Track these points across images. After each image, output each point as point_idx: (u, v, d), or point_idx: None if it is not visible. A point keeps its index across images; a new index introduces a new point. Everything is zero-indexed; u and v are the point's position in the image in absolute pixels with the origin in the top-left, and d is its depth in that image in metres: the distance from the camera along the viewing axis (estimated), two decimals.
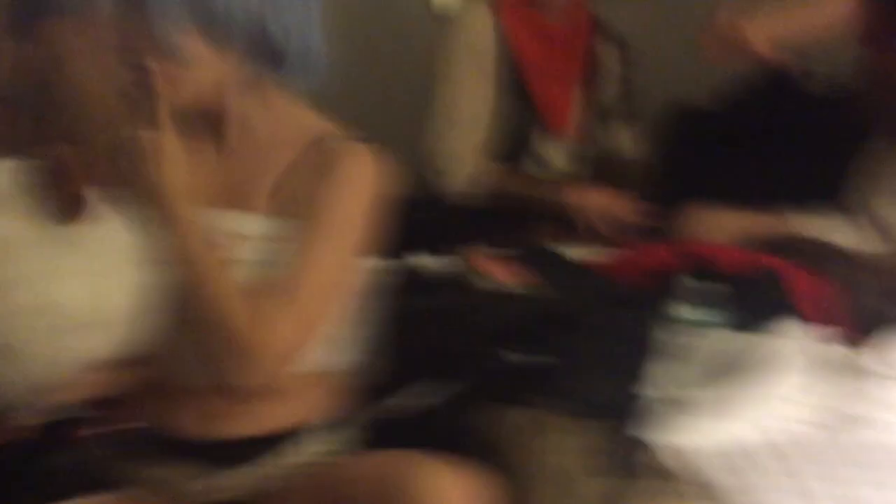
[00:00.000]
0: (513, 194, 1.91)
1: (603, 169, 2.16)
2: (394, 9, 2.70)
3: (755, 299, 1.41)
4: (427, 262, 1.62)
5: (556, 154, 2.03)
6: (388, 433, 1.20)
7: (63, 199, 0.76)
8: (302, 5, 1.08)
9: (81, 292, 0.77)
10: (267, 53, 1.05)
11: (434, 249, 1.72)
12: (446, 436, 1.17)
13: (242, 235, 1.05)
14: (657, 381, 1.32)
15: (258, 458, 1.12)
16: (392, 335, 1.31)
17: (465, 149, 1.91)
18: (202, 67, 1.03)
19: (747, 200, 1.79)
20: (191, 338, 1.03)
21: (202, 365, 1.05)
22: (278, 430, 1.12)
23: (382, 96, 2.34)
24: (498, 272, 1.45)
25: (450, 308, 1.37)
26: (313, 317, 1.03)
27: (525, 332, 1.29)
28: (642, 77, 2.47)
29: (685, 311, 1.39)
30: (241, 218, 1.06)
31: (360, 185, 1.06)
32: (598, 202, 1.92)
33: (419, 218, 1.90)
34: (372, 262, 1.64)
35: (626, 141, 2.23)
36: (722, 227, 1.73)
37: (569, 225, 1.93)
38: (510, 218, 1.92)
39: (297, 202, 1.05)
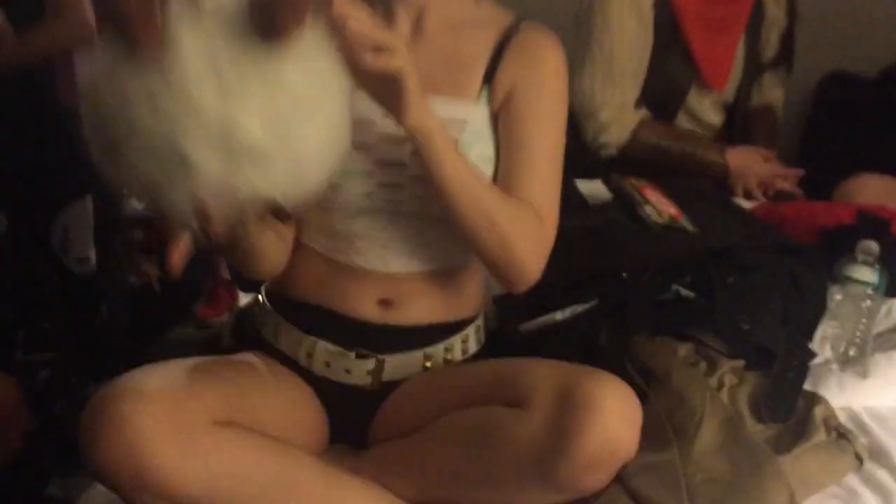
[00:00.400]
0: (668, 150, 1.83)
1: (753, 123, 2.07)
2: None
3: None
4: (592, 186, 1.57)
5: (711, 108, 1.95)
6: (546, 345, 1.18)
7: (278, 27, 0.72)
8: None
9: (268, 123, 0.74)
10: None
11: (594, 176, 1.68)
12: (606, 356, 1.14)
13: (460, 120, 1.03)
14: (830, 339, 1.27)
15: (425, 346, 1.14)
16: (556, 250, 1.28)
17: (622, 102, 1.83)
18: None
19: None
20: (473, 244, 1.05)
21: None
22: (445, 322, 1.15)
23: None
24: (668, 207, 1.39)
25: (622, 234, 1.33)
26: (554, 214, 1.09)
27: (698, 269, 1.24)
28: (804, 38, 2.37)
29: (863, 273, 1.32)
30: (455, 103, 1.05)
31: (561, 74, 1.10)
32: (758, 167, 1.84)
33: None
34: None
35: (780, 96, 2.13)
36: (891, 194, 1.65)
37: (723, 184, 1.86)
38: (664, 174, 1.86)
39: (507, 84, 1.07)
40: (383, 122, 0.99)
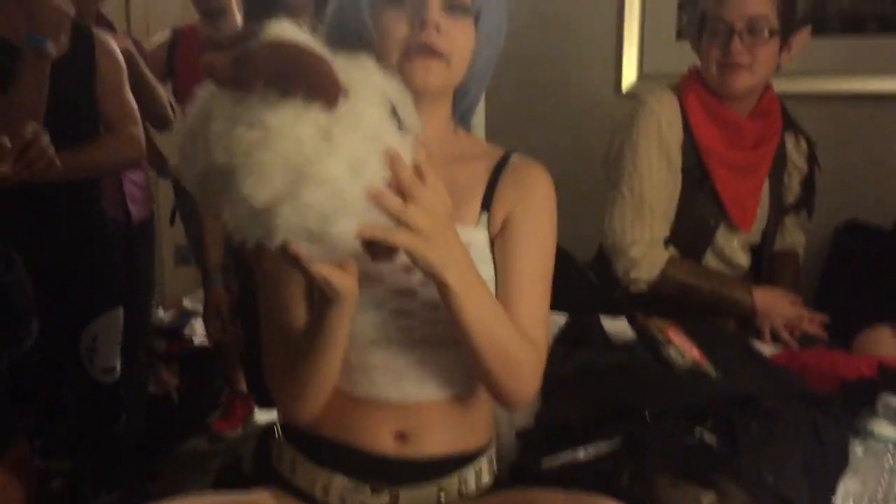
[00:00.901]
0: (697, 288, 1.87)
1: (777, 266, 2.12)
2: (583, 87, 2.77)
3: None
4: (617, 324, 1.61)
5: (738, 250, 1.99)
6: (567, 483, 1.18)
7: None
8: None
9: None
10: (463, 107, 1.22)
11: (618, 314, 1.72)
12: (628, 498, 1.15)
13: (465, 244, 1.09)
14: (853, 496, 1.27)
15: (440, 478, 1.15)
16: (580, 386, 1.30)
17: (652, 240, 1.87)
18: None
19: None
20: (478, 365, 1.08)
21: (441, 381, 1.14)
22: (460, 453, 1.18)
23: (561, 171, 2.37)
24: (692, 350, 1.42)
25: (645, 374, 1.35)
26: (545, 336, 1.16)
27: (720, 415, 1.26)
28: (822, 187, 2.46)
29: (884, 428, 1.33)
30: (459, 229, 1.10)
31: (552, 200, 1.19)
32: (785, 309, 1.87)
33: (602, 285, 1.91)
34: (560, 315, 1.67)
35: (802, 241, 2.19)
36: None
37: (749, 324, 1.89)
38: (691, 311, 1.89)
39: (503, 211, 1.15)
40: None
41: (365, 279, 1.04)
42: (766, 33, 1.79)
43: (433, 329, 1.12)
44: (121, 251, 2.24)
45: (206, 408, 3.07)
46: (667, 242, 1.91)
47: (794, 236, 2.16)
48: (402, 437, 1.14)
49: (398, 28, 1.06)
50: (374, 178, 0.86)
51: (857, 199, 2.58)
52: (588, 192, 2.20)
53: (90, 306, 2.12)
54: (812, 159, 2.08)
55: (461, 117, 1.22)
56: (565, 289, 1.93)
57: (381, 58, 1.02)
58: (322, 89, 0.83)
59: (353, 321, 1.09)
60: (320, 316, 1.02)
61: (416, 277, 1.10)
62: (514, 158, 1.20)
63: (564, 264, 1.98)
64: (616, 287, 1.90)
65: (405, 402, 1.14)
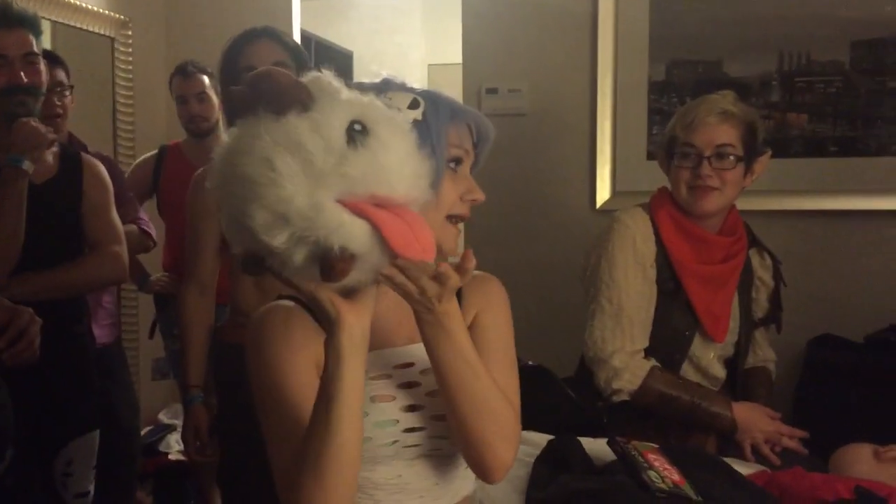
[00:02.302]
0: (677, 400, 1.89)
1: (752, 383, 2.14)
2: (562, 206, 2.85)
3: None
4: (596, 445, 1.62)
5: (714, 361, 2.02)
6: None
7: None
8: None
9: None
10: None
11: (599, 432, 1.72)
12: None
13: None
14: None
15: None
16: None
17: (633, 350, 1.91)
18: None
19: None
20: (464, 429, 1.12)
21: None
22: None
23: (539, 283, 2.42)
24: (672, 473, 1.43)
25: (626, 500, 1.35)
26: (518, 407, 1.20)
27: None
28: (793, 302, 2.52)
29: None
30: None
31: (507, 303, 1.28)
32: (764, 424, 1.88)
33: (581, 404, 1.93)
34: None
35: (772, 357, 2.22)
36: (886, 469, 1.68)
37: (729, 440, 1.90)
38: (668, 422, 1.91)
39: (470, 315, 1.22)
40: (398, 375, 1.16)
41: (376, 401, 1.13)
42: (732, 160, 1.90)
43: (437, 443, 1.17)
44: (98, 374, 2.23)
45: None
46: (646, 353, 1.94)
47: (765, 352, 2.20)
48: None
49: (451, 196, 1.15)
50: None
51: (828, 313, 2.65)
52: (565, 304, 2.24)
53: (67, 429, 2.10)
54: (777, 275, 2.15)
55: None
56: (545, 405, 1.95)
57: (426, 210, 1.06)
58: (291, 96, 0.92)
59: (370, 441, 1.12)
60: (329, 369, 1.00)
61: (422, 389, 1.17)
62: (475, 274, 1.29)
63: (544, 381, 2.02)
64: (597, 400, 1.92)
65: None
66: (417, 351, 1.16)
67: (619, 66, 2.74)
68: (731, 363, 2.08)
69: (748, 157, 1.92)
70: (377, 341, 1.17)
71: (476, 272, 1.26)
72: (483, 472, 1.15)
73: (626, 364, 1.88)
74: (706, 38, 2.65)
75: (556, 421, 1.81)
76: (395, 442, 1.15)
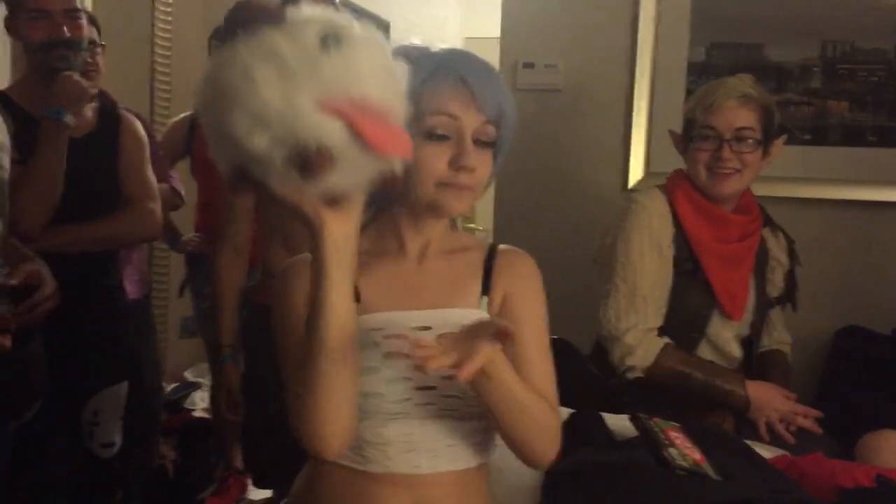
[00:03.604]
0: (690, 377, 1.90)
1: (767, 365, 2.14)
2: (593, 184, 2.84)
3: None
4: (619, 422, 1.62)
5: (732, 340, 2.03)
6: None
7: None
8: None
9: None
10: None
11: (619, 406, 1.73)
12: None
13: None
14: None
15: None
16: (581, 485, 1.31)
17: (646, 328, 1.93)
18: None
19: None
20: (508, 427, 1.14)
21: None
22: None
23: (567, 264, 2.41)
24: (693, 452, 1.44)
25: (647, 476, 1.36)
26: (556, 399, 1.23)
27: None
28: (823, 291, 2.50)
29: None
30: (465, 311, 1.20)
31: (539, 278, 1.28)
32: (779, 403, 1.88)
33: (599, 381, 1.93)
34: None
35: (787, 339, 2.22)
36: None
37: (745, 420, 1.90)
38: (685, 403, 1.91)
39: (500, 292, 1.24)
40: (412, 335, 1.12)
41: (389, 358, 1.14)
42: (752, 143, 1.92)
43: (451, 403, 1.17)
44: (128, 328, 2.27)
45: (200, 484, 3.04)
46: (662, 333, 1.95)
47: (780, 334, 2.20)
48: None
49: (437, 165, 1.14)
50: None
51: (857, 304, 2.62)
52: (592, 284, 2.24)
53: (95, 379, 2.14)
54: (792, 255, 2.15)
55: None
56: (568, 380, 1.96)
57: (411, 184, 1.12)
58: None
59: (381, 397, 1.14)
60: (315, 279, 1.02)
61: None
62: (502, 247, 1.30)
63: (566, 356, 2.03)
64: (612, 378, 1.93)
65: (418, 475, 1.18)
66: (437, 316, 1.17)
67: (658, 46, 2.71)
68: (748, 343, 2.08)
69: (766, 140, 1.95)
70: (398, 302, 1.20)
71: (506, 247, 1.29)
72: (529, 464, 1.20)
73: (640, 341, 1.90)
74: (748, 21, 2.61)
75: (578, 394, 1.83)
76: (408, 399, 1.16)
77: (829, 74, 2.58)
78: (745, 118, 1.91)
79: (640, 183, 2.76)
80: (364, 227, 1.12)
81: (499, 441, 1.21)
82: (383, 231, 1.23)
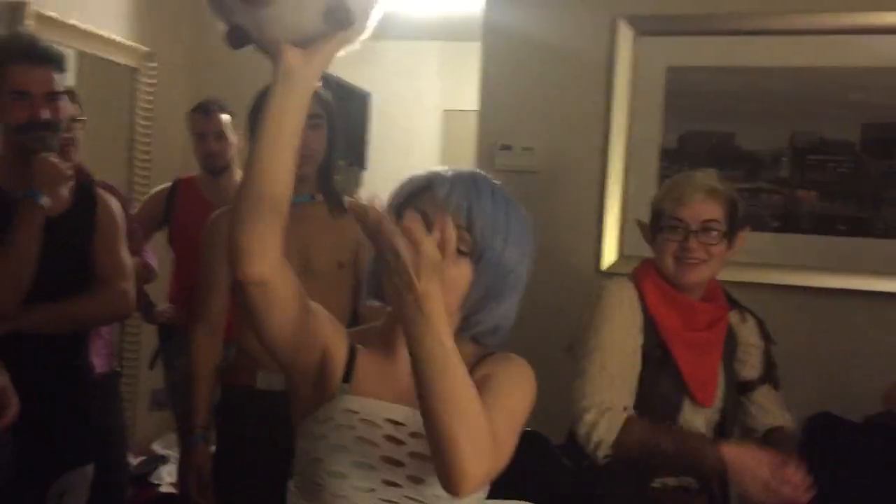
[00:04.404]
0: (659, 446, 1.85)
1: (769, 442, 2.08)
2: (567, 266, 2.86)
3: None
4: None
5: (703, 427, 2.01)
6: None
7: None
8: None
9: None
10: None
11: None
12: None
13: None
14: None
15: None
16: None
17: (611, 405, 1.90)
18: None
19: None
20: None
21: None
22: None
23: (542, 346, 2.41)
24: None
25: None
26: (503, 453, 1.16)
27: None
28: (794, 378, 2.51)
29: None
30: None
31: (528, 384, 1.26)
32: (758, 468, 1.79)
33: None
34: None
35: (789, 418, 2.17)
36: None
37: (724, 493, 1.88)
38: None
39: (484, 371, 1.23)
40: (386, 427, 1.18)
41: (360, 442, 1.18)
42: (717, 234, 1.97)
43: None
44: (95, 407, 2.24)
45: None
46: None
47: (778, 414, 2.16)
48: None
49: None
50: None
51: (829, 391, 2.64)
52: (565, 367, 2.24)
53: (62, 460, 2.10)
54: (765, 334, 2.16)
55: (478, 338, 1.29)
56: (539, 472, 1.95)
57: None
58: None
59: (346, 479, 1.16)
60: (270, 97, 1.10)
61: (406, 449, 1.18)
62: (497, 355, 1.29)
63: (538, 447, 2.02)
64: (583, 460, 1.91)
65: None
66: (413, 414, 1.17)
67: (632, 132, 2.77)
68: (719, 429, 2.07)
69: (731, 232, 2.00)
70: (380, 392, 1.22)
71: (502, 354, 1.28)
72: (451, 481, 1.09)
73: (604, 415, 1.88)
74: (720, 110, 2.68)
75: (549, 486, 1.81)
76: (372, 490, 1.17)
77: (799, 164, 2.64)
78: (712, 211, 1.97)
79: (613, 265, 2.79)
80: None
81: None
82: (385, 324, 1.26)
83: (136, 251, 2.61)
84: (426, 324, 1.05)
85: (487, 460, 1.09)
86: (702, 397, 1.98)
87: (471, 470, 1.07)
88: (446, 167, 1.25)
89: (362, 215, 1.03)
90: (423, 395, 1.07)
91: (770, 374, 2.16)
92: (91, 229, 2.17)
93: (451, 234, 1.09)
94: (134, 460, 3.40)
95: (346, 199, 2.18)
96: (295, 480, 1.27)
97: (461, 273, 1.19)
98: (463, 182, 1.21)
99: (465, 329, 1.26)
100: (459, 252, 1.17)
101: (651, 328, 1.98)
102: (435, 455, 1.09)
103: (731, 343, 2.10)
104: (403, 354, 1.18)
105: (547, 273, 2.87)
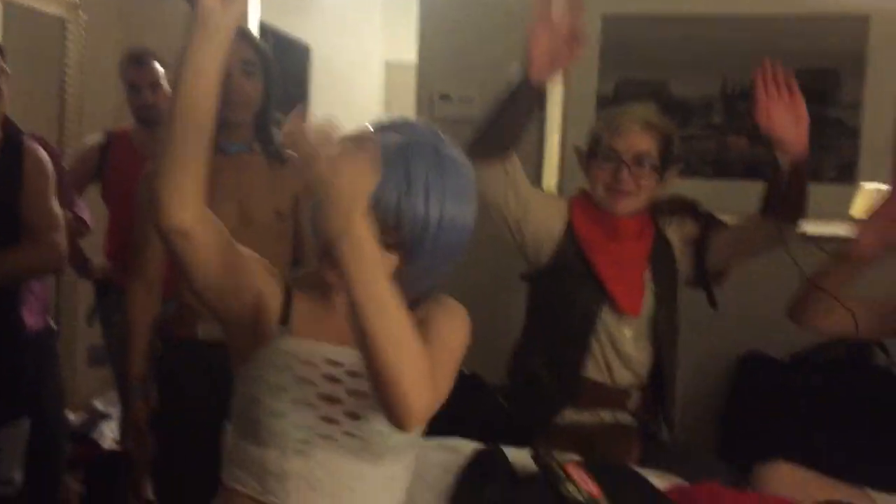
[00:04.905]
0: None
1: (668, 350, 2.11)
2: None
3: None
4: (521, 456, 1.65)
5: (629, 339, 2.03)
6: None
7: None
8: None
9: None
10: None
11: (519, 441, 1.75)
12: None
13: None
14: None
15: None
16: None
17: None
18: None
19: (817, 460, 1.81)
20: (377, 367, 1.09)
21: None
22: None
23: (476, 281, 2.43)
24: (590, 486, 1.47)
25: None
26: (442, 388, 1.17)
27: None
28: (723, 320, 2.58)
29: None
30: None
31: (463, 324, 1.28)
32: None
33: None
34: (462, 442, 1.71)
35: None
36: (806, 488, 1.74)
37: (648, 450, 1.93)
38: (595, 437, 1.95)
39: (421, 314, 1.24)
40: (325, 366, 1.20)
41: (299, 382, 1.19)
42: (649, 168, 2.00)
43: (352, 443, 1.20)
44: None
45: None
46: (553, 334, 2.02)
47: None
48: None
49: None
50: None
51: (758, 331, 2.72)
52: (502, 305, 2.28)
53: None
54: (685, 210, 2.13)
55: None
56: (477, 413, 1.99)
57: None
58: None
59: (285, 417, 1.18)
60: (189, 41, 1.09)
61: (343, 387, 1.21)
62: (438, 297, 1.31)
63: (476, 389, 2.06)
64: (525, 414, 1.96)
65: None
66: (351, 354, 1.18)
67: (569, 80, 2.79)
68: (654, 342, 2.05)
69: (663, 167, 2.03)
70: (318, 333, 1.24)
71: (442, 296, 1.30)
72: (395, 416, 1.11)
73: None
74: (654, 58, 2.71)
75: (486, 430, 1.85)
76: (310, 427, 1.19)
77: (730, 111, 2.69)
78: (646, 144, 2.00)
79: None
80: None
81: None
82: (321, 266, 1.23)
83: (67, 204, 2.56)
84: (361, 261, 1.05)
85: (429, 394, 1.11)
86: (625, 303, 2.00)
87: (415, 405, 1.09)
88: (387, 124, 1.23)
89: (301, 134, 1.04)
90: (364, 334, 1.07)
91: (708, 221, 2.13)
92: (19, 181, 2.12)
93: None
94: (75, 418, 3.37)
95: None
96: (232, 422, 1.28)
97: (386, 262, 1.15)
98: (395, 165, 1.15)
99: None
100: (386, 245, 1.15)
101: (572, 241, 2.02)
102: (379, 393, 1.10)
103: (664, 252, 2.09)
104: (339, 296, 1.20)
105: (487, 221, 2.92)
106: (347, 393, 1.21)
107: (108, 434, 3.22)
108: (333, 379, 1.22)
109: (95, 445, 3.19)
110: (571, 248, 2.02)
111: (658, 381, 2.08)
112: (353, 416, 1.21)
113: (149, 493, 2.93)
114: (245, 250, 1.23)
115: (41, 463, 2.30)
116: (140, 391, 2.10)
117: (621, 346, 2.03)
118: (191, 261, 1.15)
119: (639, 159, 1.99)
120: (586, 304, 2.00)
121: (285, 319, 1.23)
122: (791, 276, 2.71)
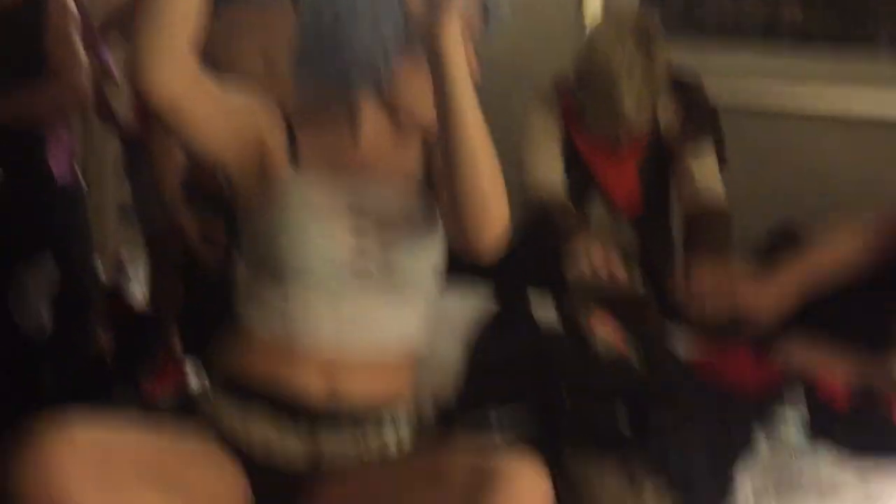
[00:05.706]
0: None
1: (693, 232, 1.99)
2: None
3: (864, 434, 1.39)
4: (546, 306, 1.62)
5: (623, 231, 2.00)
6: None
7: None
8: None
9: None
10: None
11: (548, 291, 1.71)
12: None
13: None
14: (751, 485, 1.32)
15: (362, 426, 1.19)
16: (505, 376, 1.33)
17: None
18: None
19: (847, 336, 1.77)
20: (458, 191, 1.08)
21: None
22: (384, 404, 1.20)
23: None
24: (616, 339, 1.45)
25: (569, 363, 1.38)
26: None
27: (636, 403, 1.30)
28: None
29: (790, 434, 1.38)
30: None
31: None
32: (715, 279, 1.60)
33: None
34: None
35: (719, 191, 1.98)
36: (832, 364, 1.70)
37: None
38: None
39: None
40: (345, 197, 1.17)
41: (318, 216, 1.15)
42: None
43: (378, 274, 1.17)
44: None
45: (138, 372, 3.03)
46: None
47: (707, 183, 1.94)
48: (330, 386, 1.17)
49: None
50: None
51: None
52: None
53: (20, 252, 2.11)
54: (682, 91, 2.00)
55: None
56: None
57: None
58: None
59: (318, 246, 1.15)
60: None
61: (369, 219, 1.17)
62: None
63: None
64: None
65: (338, 349, 1.17)
66: (368, 183, 1.18)
67: None
68: (643, 252, 1.98)
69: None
70: (333, 162, 1.20)
71: None
72: (477, 230, 1.09)
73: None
74: None
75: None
76: (333, 261, 1.16)
77: None
78: (644, 125, 1.93)
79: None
80: None
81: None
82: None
83: (92, 47, 2.49)
84: (461, 61, 1.04)
85: (506, 224, 1.10)
86: (620, 202, 1.98)
87: (496, 233, 1.09)
88: None
89: None
90: (450, 145, 1.06)
91: (698, 127, 1.97)
92: (42, 22, 2.09)
93: None
94: (105, 275, 3.40)
95: None
96: (245, 261, 1.25)
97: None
98: None
99: None
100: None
101: (570, 145, 1.99)
102: (462, 215, 1.08)
103: (654, 145, 2.00)
104: (367, 123, 1.19)
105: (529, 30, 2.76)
106: (372, 224, 1.17)
107: (138, 296, 3.25)
108: (357, 210, 1.17)
109: (127, 304, 3.22)
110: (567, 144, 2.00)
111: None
112: (380, 247, 1.17)
113: (178, 348, 3.00)
114: (239, 99, 1.17)
115: (71, 311, 2.33)
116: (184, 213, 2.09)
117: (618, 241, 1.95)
118: (185, 134, 1.10)
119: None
120: (582, 201, 1.99)
121: (294, 156, 1.19)
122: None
